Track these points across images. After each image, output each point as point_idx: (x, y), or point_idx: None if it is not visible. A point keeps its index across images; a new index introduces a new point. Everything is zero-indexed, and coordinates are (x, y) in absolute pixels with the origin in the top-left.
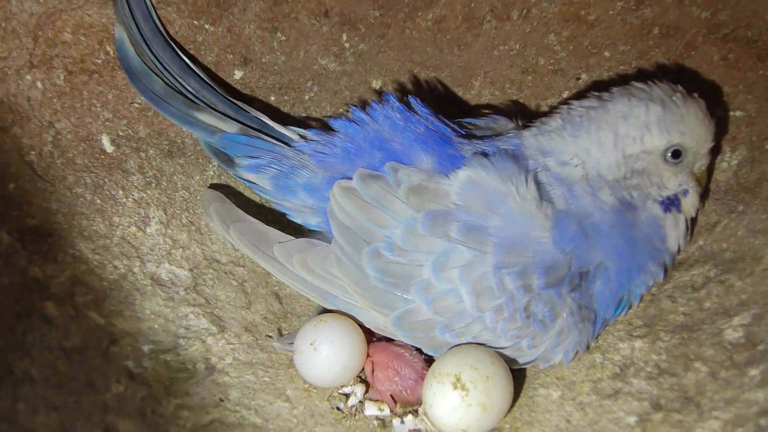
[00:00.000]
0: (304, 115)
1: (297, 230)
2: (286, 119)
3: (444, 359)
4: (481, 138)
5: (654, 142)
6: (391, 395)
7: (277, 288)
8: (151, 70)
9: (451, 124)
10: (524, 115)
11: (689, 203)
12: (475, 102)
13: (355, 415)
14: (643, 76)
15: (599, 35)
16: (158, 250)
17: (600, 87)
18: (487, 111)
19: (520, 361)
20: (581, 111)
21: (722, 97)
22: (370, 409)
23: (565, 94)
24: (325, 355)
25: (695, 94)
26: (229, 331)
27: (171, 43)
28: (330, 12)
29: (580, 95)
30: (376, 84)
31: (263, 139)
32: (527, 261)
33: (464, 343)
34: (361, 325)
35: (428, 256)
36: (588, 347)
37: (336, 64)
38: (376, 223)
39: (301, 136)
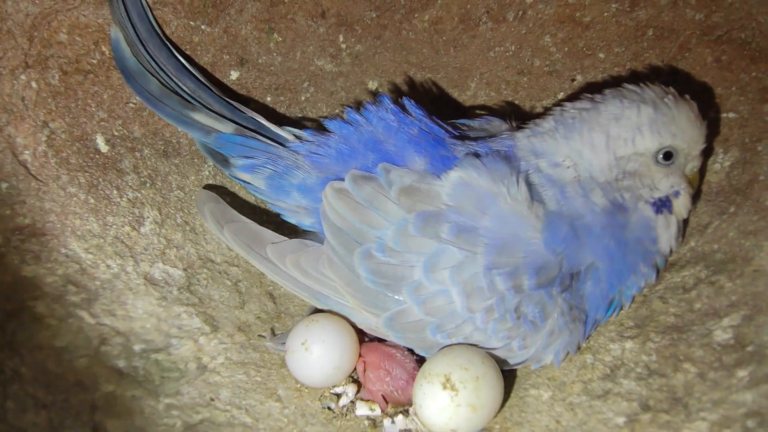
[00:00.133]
0: (300, 115)
1: (292, 230)
2: (282, 120)
3: (434, 359)
4: (475, 139)
5: (645, 143)
6: (382, 395)
7: (271, 288)
8: (146, 70)
9: (445, 126)
10: (519, 117)
11: (681, 205)
12: (471, 103)
13: (346, 415)
14: (637, 77)
15: (594, 37)
16: (152, 250)
17: (595, 88)
18: (481, 112)
19: (511, 361)
20: (574, 113)
21: (715, 98)
22: (362, 409)
23: (561, 96)
24: (317, 355)
25: (687, 96)
26: (222, 331)
27: (167, 43)
28: (327, 13)
29: (573, 97)
30: (373, 85)
31: (258, 140)
32: (518, 262)
33: (455, 344)
34: (354, 326)
35: (419, 256)
36: (579, 348)
37: (332, 65)
38: (368, 224)
39: (296, 137)
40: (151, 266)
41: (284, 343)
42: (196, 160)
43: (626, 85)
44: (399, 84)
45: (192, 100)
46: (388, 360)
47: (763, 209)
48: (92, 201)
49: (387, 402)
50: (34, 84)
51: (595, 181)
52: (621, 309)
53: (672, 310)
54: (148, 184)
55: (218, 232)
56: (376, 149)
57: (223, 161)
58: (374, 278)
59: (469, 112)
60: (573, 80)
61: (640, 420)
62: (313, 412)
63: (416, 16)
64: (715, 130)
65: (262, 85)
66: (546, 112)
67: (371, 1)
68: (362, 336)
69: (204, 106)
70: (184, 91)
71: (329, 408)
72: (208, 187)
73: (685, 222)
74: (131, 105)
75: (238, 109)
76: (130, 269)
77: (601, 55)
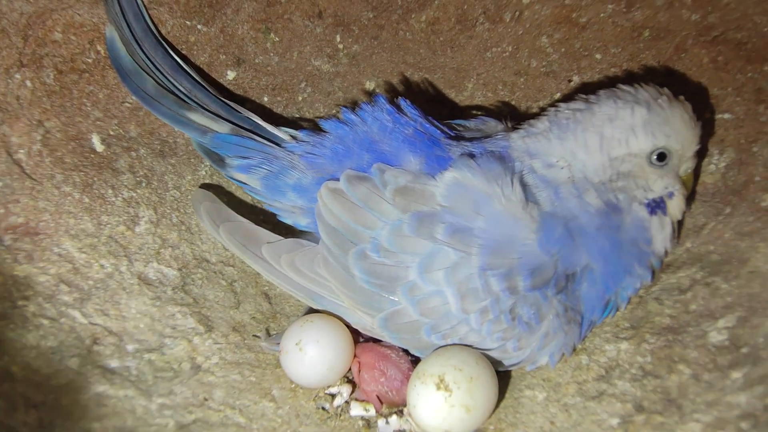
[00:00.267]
0: (297, 115)
1: (289, 231)
2: (278, 120)
3: (429, 360)
4: (470, 140)
5: (639, 144)
6: (377, 396)
7: (266, 288)
8: (142, 69)
9: (441, 126)
10: (516, 117)
11: (675, 206)
12: (468, 103)
13: (340, 415)
14: (633, 78)
15: (590, 38)
16: (147, 250)
17: (592, 89)
18: (477, 112)
19: (506, 363)
20: (568, 113)
21: (711, 99)
22: (356, 410)
23: (557, 96)
24: (311, 355)
25: (681, 97)
26: (217, 331)
27: (162, 42)
28: (323, 13)
29: (568, 97)
30: (370, 85)
31: (254, 140)
32: (513, 263)
33: (450, 345)
34: (349, 326)
35: (414, 257)
36: (574, 349)
37: (329, 65)
38: (363, 224)
39: (292, 137)
40: (145, 266)
41: (279, 344)
42: (192, 160)
43: (620, 85)
44: (396, 84)
45: (188, 100)
46: (382, 360)
47: (759, 210)
48: (87, 200)
49: (382, 402)
50: (29, 83)
51: (589, 182)
52: (617, 310)
53: (667, 312)
54: (143, 184)
55: (214, 231)
56: (371, 149)
57: (219, 161)
58: (369, 278)
59: (466, 112)
60: (570, 81)
61: (634, 421)
62: (307, 413)
63: (413, 16)
64: (711, 130)
65: (258, 85)
66: (541, 112)
67: (368, 1)
68: (357, 336)
69: (200, 105)
70: (180, 90)
71: (323, 408)
72: (204, 186)
73: (680, 223)
74: (127, 104)
75: (234, 109)
76: (124, 269)
77: (598, 56)
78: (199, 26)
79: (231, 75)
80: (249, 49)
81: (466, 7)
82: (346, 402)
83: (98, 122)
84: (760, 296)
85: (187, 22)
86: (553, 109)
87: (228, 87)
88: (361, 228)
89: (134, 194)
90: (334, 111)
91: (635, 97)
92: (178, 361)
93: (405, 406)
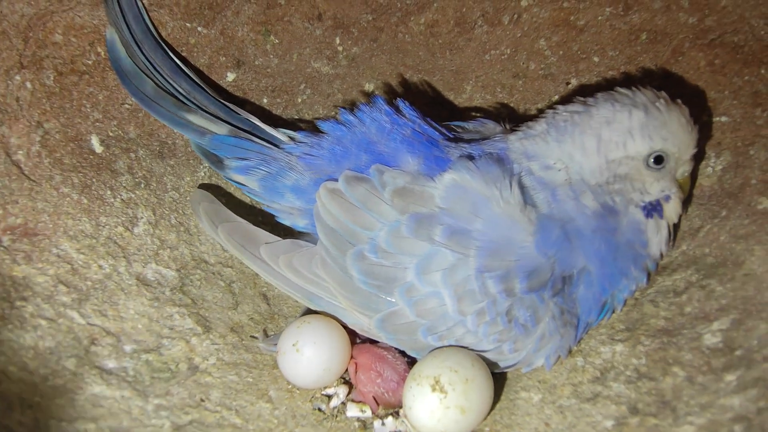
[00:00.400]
0: (296, 117)
1: (288, 232)
2: (278, 121)
3: (424, 361)
4: (468, 141)
5: (636, 147)
6: (373, 397)
7: (265, 289)
8: (141, 71)
9: (439, 127)
10: (514, 119)
11: (671, 209)
12: (467, 105)
13: (336, 416)
14: (631, 81)
15: (588, 41)
16: (145, 251)
17: (590, 92)
18: (476, 114)
19: (502, 364)
20: (566, 116)
21: (708, 102)
22: (352, 411)
23: (556, 99)
24: (308, 356)
25: (679, 101)
26: (215, 332)
27: (162, 44)
28: (323, 15)
29: (566, 100)
30: (369, 87)
31: (252, 141)
32: (510, 265)
33: (446, 346)
34: (346, 327)
35: (412, 258)
36: (570, 351)
37: (329, 67)
38: (361, 225)
39: (291, 138)
40: (143, 267)
41: (276, 345)
42: (191, 162)
43: (618, 88)
44: (395, 86)
45: (187, 102)
46: (379, 362)
47: (755, 213)
48: (85, 201)
49: (378, 403)
50: (28, 84)
51: (586, 184)
52: (613, 312)
53: (663, 314)
54: (142, 185)
55: (212, 231)
56: (370, 150)
57: (217, 162)
58: (366, 279)
59: (465, 114)
60: (568, 83)
61: (629, 423)
62: (303, 413)
63: (412, 19)
64: (708, 133)
65: (258, 87)
66: (539, 115)
67: (367, 3)
68: (354, 337)
69: (199, 107)
70: (179, 92)
71: (320, 409)
72: (203, 187)
73: (676, 226)
74: (127, 106)
75: (233, 111)
76: (122, 270)
77: (596, 59)
78: (199, 28)
79: (231, 77)
80: (249, 51)
81: (464, 9)
82: (343, 403)
83: (97, 123)
84: (755, 299)
85: (187, 24)
86: (551, 111)
87: (227, 89)
88: (360, 229)
89: (133, 195)
90: (333, 113)
91: (633, 100)
92: (175, 362)
93: (401, 407)
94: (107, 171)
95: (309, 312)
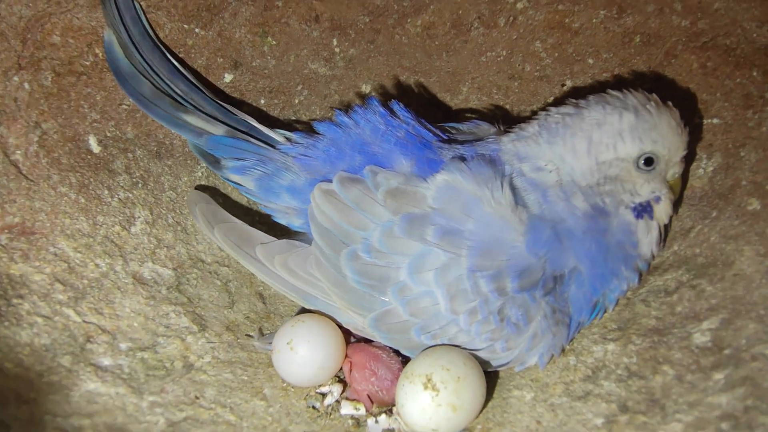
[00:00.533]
0: (293, 118)
1: (284, 232)
2: (275, 122)
3: (417, 360)
4: (462, 143)
5: (627, 149)
6: (367, 395)
7: (261, 288)
8: (139, 72)
9: (433, 129)
10: (508, 121)
11: (661, 210)
12: (462, 107)
13: (330, 414)
14: (624, 83)
15: (583, 43)
16: (142, 250)
17: (584, 94)
18: (471, 116)
19: (494, 363)
20: (557, 117)
21: (700, 104)
22: (346, 409)
23: (551, 100)
24: (302, 354)
25: (669, 103)
26: (210, 330)
27: (160, 46)
28: (320, 17)
29: (559, 102)
30: (366, 88)
31: (249, 142)
32: (501, 264)
33: (439, 345)
34: (341, 326)
35: (404, 258)
36: (563, 350)
37: (326, 68)
38: (355, 225)
39: (287, 139)
40: (140, 266)
41: (271, 343)
42: (189, 162)
43: (610, 91)
44: (391, 88)
45: (184, 103)
46: (373, 360)
47: (745, 214)
48: (83, 200)
49: (372, 402)
50: (26, 85)
51: (576, 186)
52: (605, 312)
53: (654, 313)
54: (139, 185)
55: (208, 232)
56: (363, 151)
57: (214, 163)
58: (360, 279)
59: (461, 115)
60: (563, 85)
61: (618, 421)
62: (297, 411)
63: (409, 21)
64: (699, 135)
65: (255, 88)
66: (532, 116)
67: (364, 5)
68: (349, 336)
69: (196, 108)
70: (177, 93)
71: (314, 407)
72: (200, 188)
73: (667, 227)
74: (124, 106)
75: (230, 111)
76: (119, 268)
77: (590, 61)
78: (196, 30)
79: (228, 78)
80: (246, 52)
81: (461, 12)
82: (337, 401)
83: (95, 124)
84: (744, 299)
85: (185, 26)
86: (543, 113)
87: (225, 90)
88: (353, 229)
89: (130, 195)
90: (330, 114)
91: (623, 102)
92: (170, 360)
93: (395, 405)
94: (105, 171)
95: (304, 311)
